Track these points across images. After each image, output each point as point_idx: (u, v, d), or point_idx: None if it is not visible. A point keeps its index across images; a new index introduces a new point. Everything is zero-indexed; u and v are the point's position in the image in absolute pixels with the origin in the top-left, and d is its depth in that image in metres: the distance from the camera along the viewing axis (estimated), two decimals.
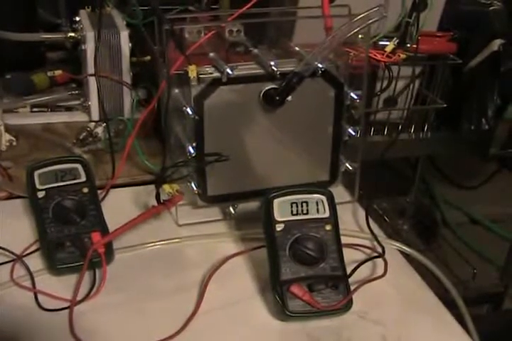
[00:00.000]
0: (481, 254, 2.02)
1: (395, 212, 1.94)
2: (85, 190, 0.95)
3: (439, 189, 2.15)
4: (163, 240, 0.97)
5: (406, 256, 0.99)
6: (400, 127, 1.48)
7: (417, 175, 1.89)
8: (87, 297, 0.86)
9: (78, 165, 0.95)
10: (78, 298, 0.85)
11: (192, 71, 0.92)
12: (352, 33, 0.93)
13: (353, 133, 1.04)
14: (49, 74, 1.36)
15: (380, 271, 0.91)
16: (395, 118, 1.48)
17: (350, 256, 0.92)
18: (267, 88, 0.96)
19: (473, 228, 2.17)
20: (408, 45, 1.31)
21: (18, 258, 0.92)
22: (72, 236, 0.91)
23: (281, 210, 0.86)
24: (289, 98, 0.95)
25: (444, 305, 0.90)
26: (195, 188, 1.00)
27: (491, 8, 1.46)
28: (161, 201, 0.95)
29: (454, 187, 2.15)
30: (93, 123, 1.22)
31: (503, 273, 1.86)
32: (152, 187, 0.97)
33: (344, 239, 0.90)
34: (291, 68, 0.95)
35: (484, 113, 1.49)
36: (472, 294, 1.83)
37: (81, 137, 1.19)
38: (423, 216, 2.05)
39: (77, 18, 1.26)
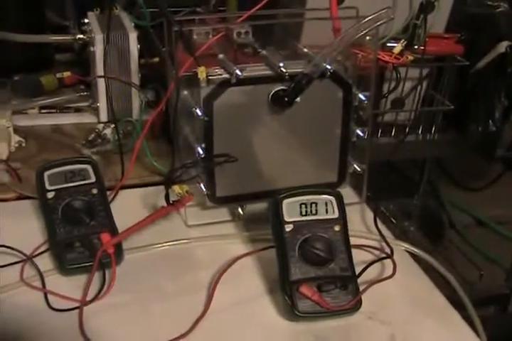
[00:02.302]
0: (487, 256, 2.01)
1: (401, 213, 1.94)
2: (94, 190, 0.95)
3: (446, 190, 2.15)
4: (173, 241, 0.97)
5: (414, 257, 0.99)
6: (407, 129, 1.48)
7: (424, 177, 1.89)
8: (96, 297, 0.86)
9: (87, 166, 0.96)
10: (88, 298, 0.86)
11: (201, 72, 0.92)
12: (360, 34, 0.94)
13: (361, 135, 1.04)
14: (57, 75, 1.37)
15: (388, 272, 0.91)
16: (402, 120, 1.49)
17: (358, 256, 0.92)
18: (275, 89, 0.96)
19: (479, 230, 2.16)
20: (416, 47, 1.31)
21: (28, 259, 0.92)
22: (81, 236, 0.92)
23: (291, 211, 0.87)
24: (298, 99, 0.96)
25: (452, 305, 0.90)
26: (204, 189, 1.00)
27: (498, 10, 1.46)
28: (170, 202, 0.95)
29: (460, 189, 2.14)
30: (102, 125, 1.22)
31: (510, 274, 1.86)
32: (161, 188, 0.97)
33: (352, 240, 0.90)
34: (300, 69, 0.95)
35: (491, 114, 1.49)
36: (479, 296, 1.83)
37: (90, 138, 1.19)
38: (430, 217, 2.05)
39: (86, 20, 1.26)
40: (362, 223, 1.05)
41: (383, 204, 1.84)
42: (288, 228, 0.86)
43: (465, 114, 1.52)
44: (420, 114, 1.50)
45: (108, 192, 1.00)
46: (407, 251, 0.99)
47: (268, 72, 0.96)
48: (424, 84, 1.46)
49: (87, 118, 1.30)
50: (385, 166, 1.58)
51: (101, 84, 1.22)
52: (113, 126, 1.19)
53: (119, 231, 0.93)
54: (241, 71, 0.93)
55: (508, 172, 2.01)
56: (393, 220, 1.84)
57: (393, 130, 1.48)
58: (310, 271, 0.85)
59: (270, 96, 0.96)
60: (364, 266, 0.91)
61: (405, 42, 1.26)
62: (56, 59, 1.50)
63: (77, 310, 0.84)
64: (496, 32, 1.46)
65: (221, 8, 1.40)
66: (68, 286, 0.88)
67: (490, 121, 1.49)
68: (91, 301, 0.86)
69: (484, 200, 2.14)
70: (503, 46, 1.43)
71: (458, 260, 1.97)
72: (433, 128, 1.53)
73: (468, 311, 0.92)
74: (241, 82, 0.94)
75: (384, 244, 0.97)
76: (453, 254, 2.01)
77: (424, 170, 1.83)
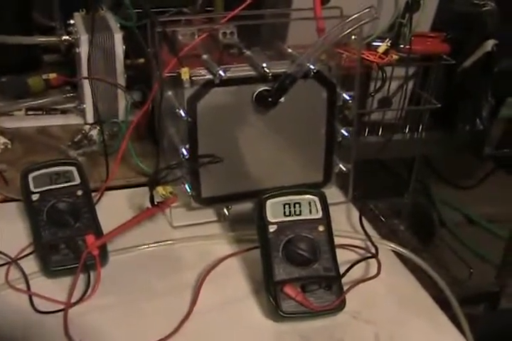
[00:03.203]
0: (477, 254, 2.02)
1: (391, 212, 1.94)
2: (79, 192, 0.95)
3: (435, 189, 2.15)
4: (158, 242, 0.97)
5: (401, 256, 0.99)
6: (394, 127, 1.48)
7: (413, 175, 1.90)
8: (81, 299, 0.86)
9: (72, 168, 0.96)
10: (73, 300, 0.85)
11: (185, 73, 0.92)
12: (344, 34, 0.94)
13: (347, 134, 1.04)
14: (44, 77, 1.37)
15: (373, 272, 0.91)
16: (389, 119, 1.49)
17: (343, 256, 0.93)
18: (259, 89, 0.96)
19: (469, 228, 2.17)
20: (401, 46, 1.31)
21: (13, 261, 0.92)
22: (66, 238, 0.91)
23: (274, 211, 0.87)
24: (282, 99, 0.96)
25: (440, 305, 0.90)
26: (189, 190, 1.00)
27: (484, 8, 1.46)
28: (155, 203, 0.95)
29: (449, 187, 2.15)
30: (88, 126, 1.22)
31: (500, 272, 1.86)
32: (146, 189, 0.96)
33: (338, 240, 0.90)
34: (284, 70, 0.95)
35: (478, 113, 1.49)
36: (469, 294, 1.83)
37: (76, 140, 1.19)
38: (419, 216, 2.05)
39: (72, 21, 1.26)
40: (348, 223, 1.05)
41: (372, 203, 1.84)
42: (272, 228, 0.86)
43: (452, 113, 1.52)
44: (407, 113, 1.50)
45: (93, 194, 1.00)
46: (393, 251, 0.99)
47: (252, 73, 0.96)
48: (411, 83, 1.46)
49: (74, 120, 1.30)
50: (373, 165, 1.58)
51: (87, 85, 1.22)
52: (99, 127, 1.19)
53: (104, 232, 0.93)
54: (224, 71, 0.93)
55: (497, 171, 2.02)
56: (382, 219, 1.85)
57: (380, 129, 1.48)
58: (294, 272, 0.85)
59: (254, 97, 0.96)
60: (349, 265, 0.91)
61: (390, 41, 1.26)
62: (43, 60, 1.49)
63: (62, 312, 0.83)
64: (482, 30, 1.46)
65: (207, 9, 1.40)
66: (53, 288, 0.88)
67: (477, 119, 1.50)
68: (76, 303, 0.85)
69: (474, 198, 2.15)
70: (489, 45, 1.43)
71: (448, 258, 1.97)
72: (420, 127, 1.53)
73: (454, 311, 0.92)
74: (225, 82, 0.94)
75: (369, 243, 0.98)
76: (443, 252, 2.01)
77: (412, 168, 1.84)
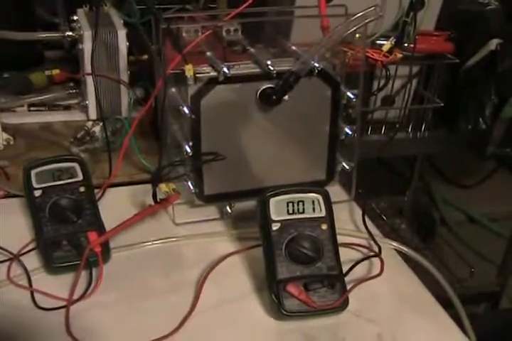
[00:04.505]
0: (478, 253, 2.02)
1: (392, 210, 1.94)
2: (82, 189, 0.95)
3: (437, 187, 2.15)
4: (160, 239, 0.97)
5: (403, 255, 0.99)
6: (397, 126, 1.48)
7: (415, 174, 1.90)
8: (83, 296, 0.86)
9: (75, 164, 0.95)
10: (75, 297, 0.85)
11: (189, 70, 0.92)
12: (348, 32, 0.94)
13: (350, 133, 1.04)
14: (47, 73, 1.36)
15: (376, 270, 0.91)
16: (392, 117, 1.48)
17: (346, 255, 0.92)
18: (263, 87, 0.96)
19: (471, 226, 2.17)
20: (405, 45, 1.31)
21: (15, 257, 0.92)
22: (68, 235, 0.91)
23: (278, 209, 0.86)
24: (286, 97, 0.95)
25: (442, 304, 0.90)
26: (191, 187, 1.00)
27: (488, 7, 1.47)
28: (158, 200, 0.95)
29: (452, 186, 2.15)
30: (91, 122, 1.22)
31: (501, 271, 1.87)
32: (149, 186, 0.96)
33: (341, 238, 0.90)
34: (288, 67, 0.95)
35: (481, 112, 1.49)
36: (470, 293, 1.84)
37: (78, 136, 1.19)
38: (421, 215, 2.06)
39: (75, 17, 1.26)
40: (350, 221, 1.05)
41: (374, 202, 1.85)
42: (275, 227, 0.86)
43: (455, 112, 1.52)
44: (410, 112, 1.50)
45: (96, 190, 1.00)
46: (396, 249, 0.99)
47: (256, 70, 0.96)
48: (415, 81, 1.46)
49: (76, 116, 1.30)
50: (376, 163, 1.58)
51: (90, 81, 1.22)
52: (102, 123, 1.18)
53: (107, 229, 0.92)
54: (228, 69, 0.93)
55: (499, 170, 2.02)
56: (384, 217, 1.85)
57: (383, 127, 1.48)
58: (297, 270, 0.85)
59: (258, 94, 0.96)
60: (352, 264, 0.91)
61: (395, 39, 1.25)
62: (46, 56, 1.49)
63: (64, 309, 0.83)
64: (486, 29, 1.46)
65: (211, 6, 1.40)
66: (55, 285, 0.88)
67: (480, 118, 1.50)
68: (78, 300, 0.85)
69: (476, 197, 2.15)
70: (493, 44, 1.43)
71: (449, 257, 1.98)
72: (423, 126, 1.53)
73: (456, 309, 0.92)
74: (228, 79, 0.94)
75: (372, 242, 0.97)
76: (444, 251, 2.01)
77: (415, 167, 1.84)
